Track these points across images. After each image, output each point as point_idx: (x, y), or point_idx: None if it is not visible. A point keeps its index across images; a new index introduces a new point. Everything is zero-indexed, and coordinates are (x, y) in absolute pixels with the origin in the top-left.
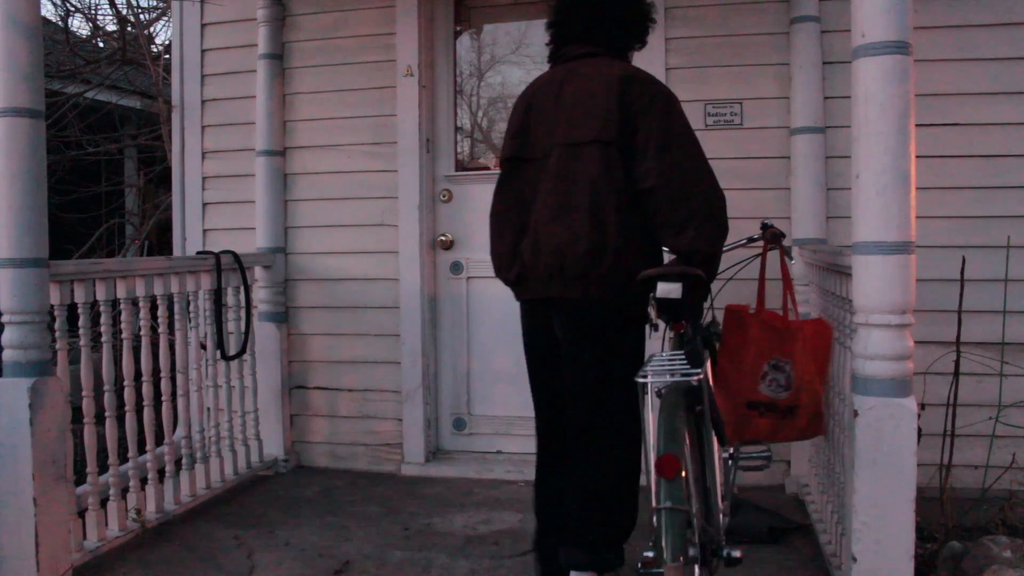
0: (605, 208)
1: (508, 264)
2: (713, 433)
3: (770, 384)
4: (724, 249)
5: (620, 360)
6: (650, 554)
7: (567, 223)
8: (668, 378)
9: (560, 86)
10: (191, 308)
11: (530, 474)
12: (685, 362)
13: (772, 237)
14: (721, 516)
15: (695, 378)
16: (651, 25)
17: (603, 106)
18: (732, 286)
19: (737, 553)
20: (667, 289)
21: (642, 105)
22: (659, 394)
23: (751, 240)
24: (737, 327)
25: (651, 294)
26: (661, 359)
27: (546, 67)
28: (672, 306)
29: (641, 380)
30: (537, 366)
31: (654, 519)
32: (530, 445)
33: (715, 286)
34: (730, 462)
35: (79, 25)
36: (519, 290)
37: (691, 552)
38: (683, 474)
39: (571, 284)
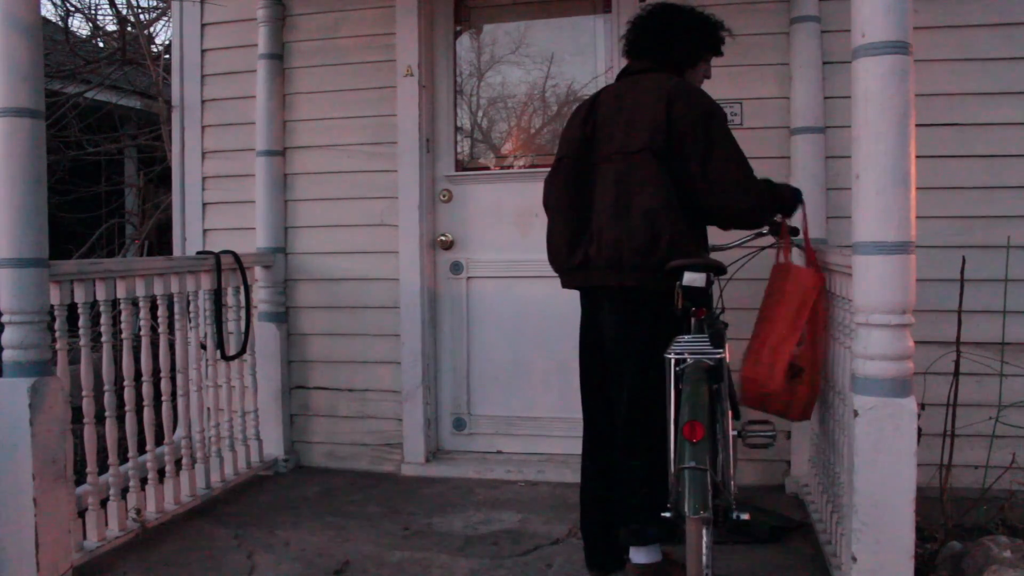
0: (656, 209)
1: (567, 255)
2: (728, 408)
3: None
4: (735, 244)
5: (663, 344)
6: (667, 514)
7: (625, 221)
8: (692, 357)
9: (621, 98)
10: (191, 308)
11: (529, 474)
12: (708, 344)
13: (791, 230)
14: (732, 484)
15: (717, 357)
16: (722, 37)
17: (653, 118)
18: (739, 284)
19: (745, 516)
20: (692, 278)
21: (685, 117)
22: (681, 372)
23: (760, 235)
24: (800, 287)
25: (677, 282)
26: (686, 340)
27: (544, 67)
28: (696, 294)
29: (669, 357)
30: (590, 352)
31: (677, 477)
32: (530, 445)
33: (718, 281)
34: (739, 438)
35: (79, 25)
36: (580, 279)
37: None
38: (705, 439)
39: (627, 274)
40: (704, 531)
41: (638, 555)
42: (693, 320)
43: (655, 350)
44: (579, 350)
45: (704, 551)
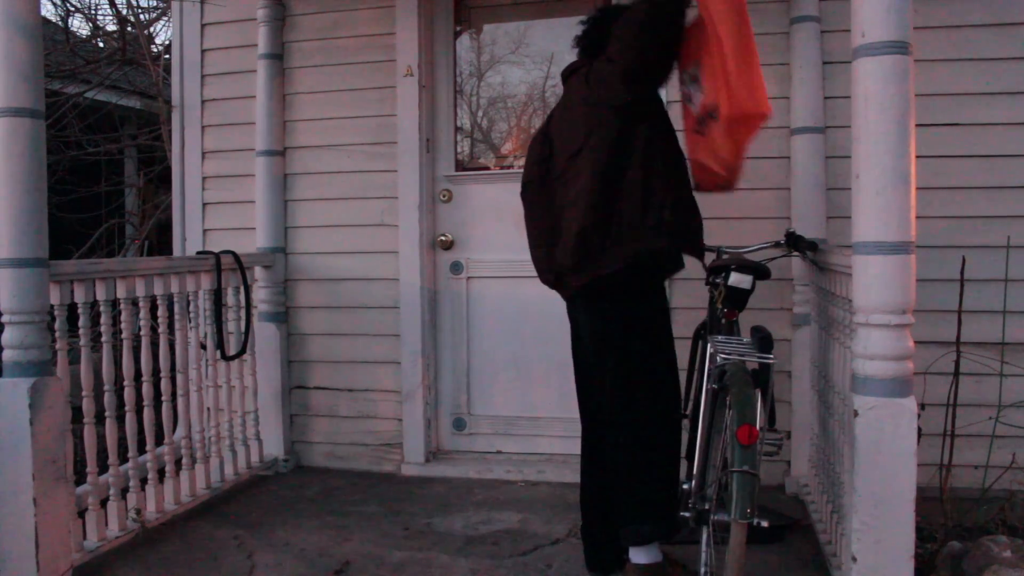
0: (589, 208)
1: (544, 270)
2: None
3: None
4: (752, 248)
5: (638, 338)
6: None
7: (571, 225)
8: (738, 358)
9: (563, 107)
10: (191, 308)
11: (529, 474)
12: (751, 346)
13: (809, 244)
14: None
15: (769, 361)
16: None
17: (580, 119)
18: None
19: (765, 523)
20: (739, 279)
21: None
22: (721, 373)
23: (777, 244)
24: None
25: (718, 280)
26: (728, 342)
27: (544, 67)
28: (739, 295)
29: (722, 359)
30: (578, 354)
31: (725, 479)
32: (529, 445)
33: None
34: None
35: (79, 25)
36: (555, 286)
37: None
38: (759, 442)
39: (583, 274)
40: (745, 535)
41: (638, 555)
42: (724, 321)
43: (630, 344)
44: (572, 353)
45: (743, 555)
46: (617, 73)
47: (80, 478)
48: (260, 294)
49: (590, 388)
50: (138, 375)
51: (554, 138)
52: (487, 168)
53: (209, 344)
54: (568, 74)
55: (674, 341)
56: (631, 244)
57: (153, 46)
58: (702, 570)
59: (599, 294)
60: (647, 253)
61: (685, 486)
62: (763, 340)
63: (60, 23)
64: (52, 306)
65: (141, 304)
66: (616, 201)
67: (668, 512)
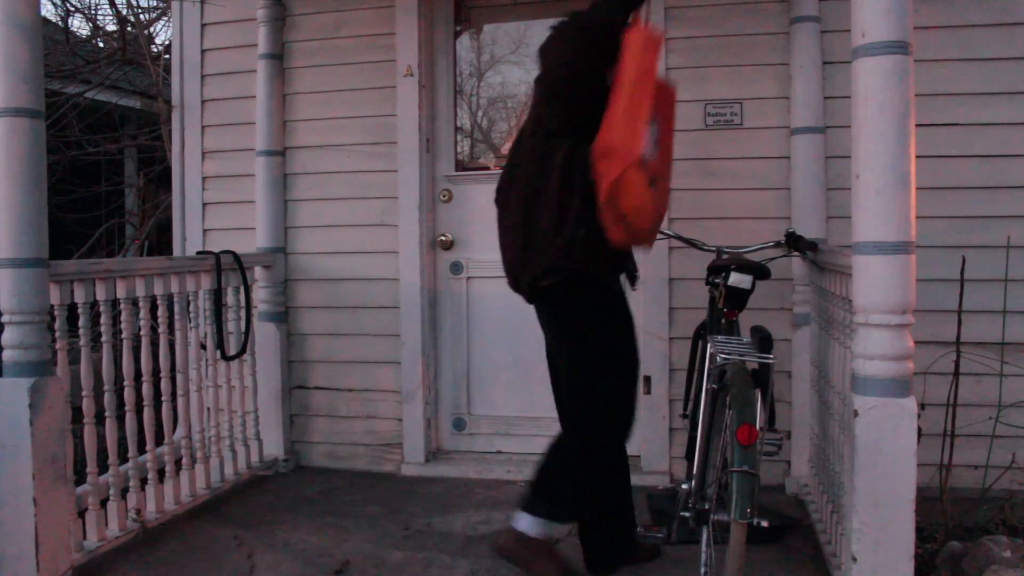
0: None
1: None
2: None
3: (651, 146)
4: (752, 248)
5: (592, 339)
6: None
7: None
8: (738, 358)
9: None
10: (191, 308)
11: (529, 474)
12: (751, 346)
13: (809, 244)
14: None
15: (769, 361)
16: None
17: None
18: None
19: (765, 523)
20: (739, 279)
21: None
22: (721, 372)
23: (778, 244)
24: (637, 47)
25: (718, 280)
26: (728, 342)
27: None
28: (739, 296)
29: (722, 359)
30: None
31: (725, 479)
32: (530, 445)
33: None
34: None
35: (79, 25)
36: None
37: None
38: (759, 442)
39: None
40: (745, 535)
41: (521, 522)
42: (724, 321)
43: (575, 349)
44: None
45: (743, 555)
46: (542, 92)
47: (80, 478)
48: (260, 294)
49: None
50: (138, 375)
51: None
52: (487, 168)
53: (209, 344)
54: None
55: (634, 346)
56: (544, 260)
57: (153, 46)
58: (702, 570)
59: (542, 301)
60: (560, 270)
61: (685, 486)
62: (763, 340)
63: (60, 23)
64: (52, 306)
65: (141, 304)
66: (537, 215)
67: (564, 502)
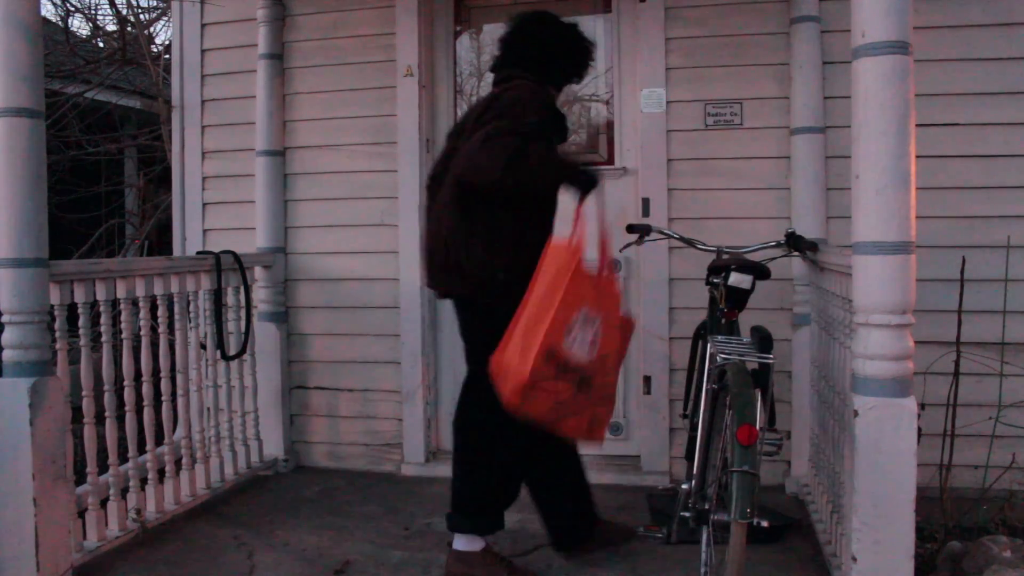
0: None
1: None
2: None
3: (575, 340)
4: (752, 248)
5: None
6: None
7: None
8: (738, 358)
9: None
10: (191, 308)
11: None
12: (750, 345)
13: (809, 244)
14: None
15: (768, 361)
16: (585, 61)
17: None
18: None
19: (765, 523)
20: (739, 279)
21: (496, 104)
22: (720, 373)
23: (778, 244)
24: (554, 261)
25: (718, 280)
26: (728, 342)
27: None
28: (739, 296)
29: (722, 359)
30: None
31: (725, 479)
32: None
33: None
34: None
35: (79, 25)
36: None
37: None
38: (759, 442)
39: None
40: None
41: (458, 542)
42: (724, 321)
43: (476, 352)
44: None
45: (743, 555)
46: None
47: (80, 478)
48: (260, 294)
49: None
50: (138, 375)
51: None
52: None
53: (209, 344)
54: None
55: None
56: (440, 277)
57: (153, 46)
58: (702, 570)
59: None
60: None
61: (685, 486)
62: (763, 340)
63: (60, 23)
64: (52, 306)
65: (141, 304)
66: (438, 233)
67: (485, 512)
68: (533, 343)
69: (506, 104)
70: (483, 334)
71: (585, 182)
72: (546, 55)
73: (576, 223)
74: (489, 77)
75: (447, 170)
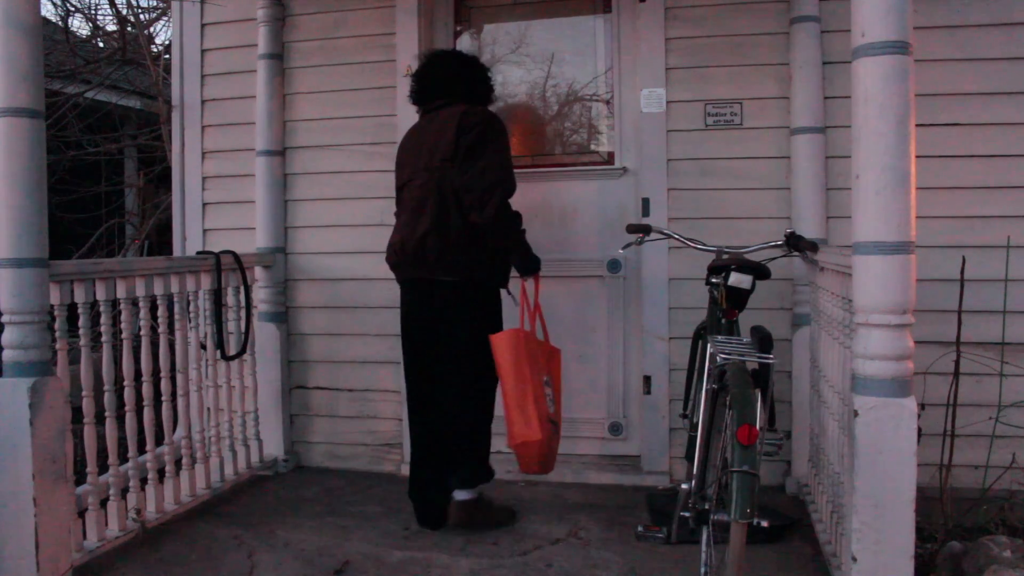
0: (447, 209)
1: (390, 255)
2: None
3: (550, 399)
4: (752, 248)
5: (483, 326)
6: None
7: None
8: (738, 358)
9: (427, 129)
10: (191, 308)
11: (530, 475)
12: (750, 346)
13: (809, 244)
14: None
15: (768, 361)
16: (492, 88)
17: (449, 136)
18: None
19: (765, 523)
20: (739, 279)
21: (467, 129)
22: (721, 372)
23: (776, 245)
24: (517, 349)
25: (720, 281)
26: (728, 342)
27: (544, 67)
28: (739, 296)
29: (722, 359)
30: (417, 332)
31: (725, 479)
32: None
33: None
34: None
35: (79, 25)
36: (396, 272)
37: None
38: (759, 442)
39: (430, 267)
40: (745, 535)
41: (461, 494)
42: (724, 321)
43: (479, 331)
44: (403, 333)
45: (743, 555)
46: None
47: (80, 478)
48: (260, 294)
49: (426, 360)
50: (138, 375)
51: (408, 153)
52: None
53: (209, 344)
54: (433, 111)
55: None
56: (444, 267)
57: (153, 46)
58: (702, 570)
59: (443, 291)
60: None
61: (685, 486)
62: (763, 340)
63: (60, 23)
64: (52, 306)
65: (141, 304)
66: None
67: (484, 464)
68: (532, 415)
69: (479, 129)
70: (469, 311)
71: (524, 266)
72: (470, 83)
73: (523, 298)
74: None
75: (416, 181)
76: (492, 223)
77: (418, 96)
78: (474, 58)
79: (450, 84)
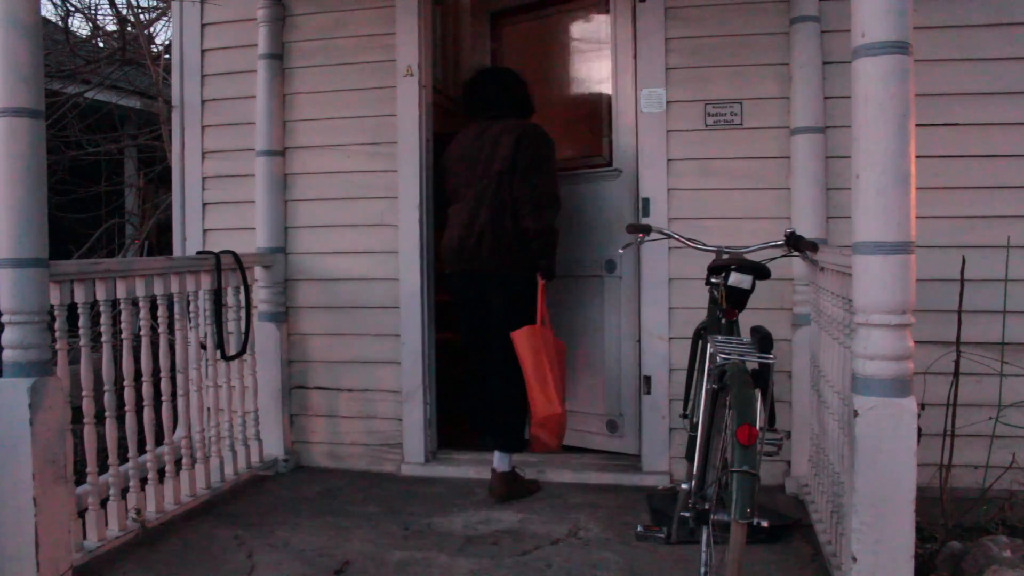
0: (502, 213)
1: (445, 251)
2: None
3: (560, 381)
4: (752, 248)
5: (509, 310)
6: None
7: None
8: (738, 358)
9: (481, 140)
10: (191, 308)
11: (529, 474)
12: (750, 345)
13: (810, 244)
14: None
15: (769, 361)
16: (534, 103)
17: (505, 151)
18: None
19: (765, 523)
20: (738, 279)
21: (525, 146)
22: (721, 372)
23: (777, 245)
24: (538, 342)
25: (720, 281)
26: (728, 342)
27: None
28: (739, 296)
29: (722, 359)
30: (476, 317)
31: (725, 479)
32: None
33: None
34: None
35: (79, 25)
36: (451, 265)
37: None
38: (759, 442)
39: (484, 261)
40: (745, 535)
41: (501, 464)
42: (724, 321)
43: (516, 312)
44: (459, 316)
45: (743, 555)
46: (526, 189)
47: (80, 478)
48: (260, 294)
49: (481, 341)
50: (138, 375)
51: (461, 161)
52: None
53: (209, 344)
54: (485, 122)
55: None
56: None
57: (153, 46)
58: (702, 570)
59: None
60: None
61: (685, 486)
62: (763, 340)
63: (60, 23)
64: (52, 306)
65: (141, 304)
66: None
67: (519, 435)
68: (552, 393)
69: (535, 145)
70: (510, 297)
71: (549, 271)
72: (520, 99)
73: (541, 298)
74: None
75: (472, 187)
76: (542, 232)
77: (471, 109)
78: (518, 75)
79: (500, 99)
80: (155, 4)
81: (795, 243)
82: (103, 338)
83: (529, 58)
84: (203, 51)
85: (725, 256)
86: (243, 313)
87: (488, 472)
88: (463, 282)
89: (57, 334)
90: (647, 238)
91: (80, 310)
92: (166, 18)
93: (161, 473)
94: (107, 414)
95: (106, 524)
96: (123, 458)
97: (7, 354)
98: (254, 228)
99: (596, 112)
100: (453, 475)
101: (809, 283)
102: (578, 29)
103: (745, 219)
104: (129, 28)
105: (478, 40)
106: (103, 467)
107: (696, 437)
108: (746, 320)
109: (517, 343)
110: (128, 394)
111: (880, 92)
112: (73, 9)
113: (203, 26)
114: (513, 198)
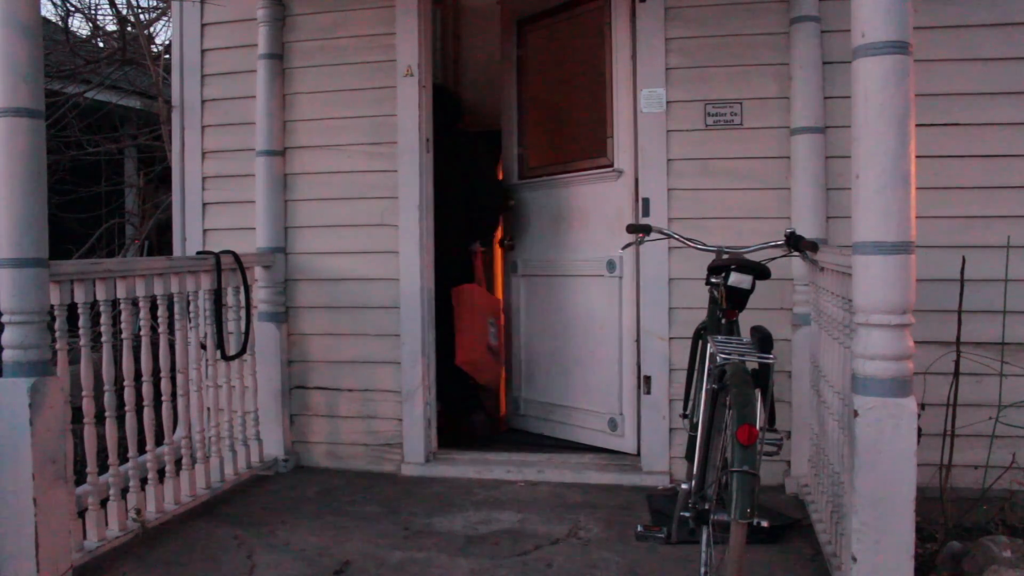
0: None
1: None
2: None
3: (494, 334)
4: (752, 248)
5: None
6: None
7: None
8: (738, 358)
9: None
10: (191, 308)
11: (529, 474)
12: (751, 346)
13: (809, 244)
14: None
15: (768, 361)
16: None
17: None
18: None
19: (765, 523)
20: (738, 279)
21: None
22: (720, 372)
23: (777, 245)
24: (469, 298)
25: (720, 281)
26: (728, 342)
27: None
28: (739, 296)
29: (722, 359)
30: None
31: (725, 479)
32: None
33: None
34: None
35: (79, 25)
36: None
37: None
38: (758, 442)
39: None
40: (745, 535)
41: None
42: (724, 321)
43: None
44: None
45: (743, 555)
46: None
47: (80, 478)
48: (260, 294)
49: None
50: (138, 375)
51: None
52: None
53: (209, 344)
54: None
55: None
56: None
57: (153, 46)
58: (702, 570)
59: None
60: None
61: (685, 486)
62: (763, 340)
63: (60, 23)
64: (52, 306)
65: (141, 304)
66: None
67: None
68: (474, 336)
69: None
70: None
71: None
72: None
73: (477, 259)
74: None
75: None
76: None
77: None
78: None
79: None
80: (155, 4)
81: (795, 243)
82: (103, 338)
83: (546, 63)
84: (203, 51)
85: (725, 256)
86: (243, 313)
87: (488, 472)
88: None
89: (57, 334)
90: (647, 238)
91: (80, 310)
92: (166, 18)
93: (161, 473)
94: (107, 414)
95: (106, 524)
96: (123, 458)
97: (7, 354)
98: (254, 228)
99: (599, 113)
100: (453, 475)
101: (809, 283)
102: (581, 31)
103: (745, 219)
104: (129, 28)
105: (507, 47)
106: (103, 467)
107: (696, 437)
108: (746, 320)
109: (454, 299)
110: (128, 394)
111: (880, 92)
112: (73, 9)
113: (203, 26)
114: None
